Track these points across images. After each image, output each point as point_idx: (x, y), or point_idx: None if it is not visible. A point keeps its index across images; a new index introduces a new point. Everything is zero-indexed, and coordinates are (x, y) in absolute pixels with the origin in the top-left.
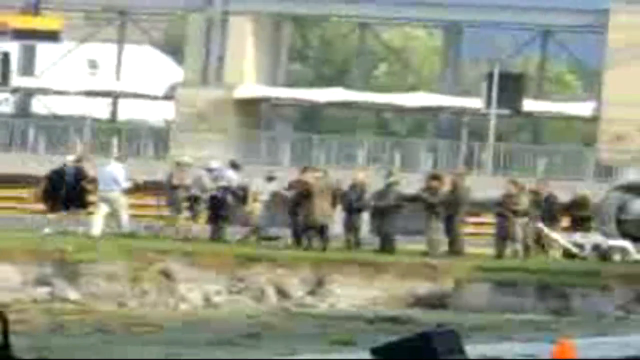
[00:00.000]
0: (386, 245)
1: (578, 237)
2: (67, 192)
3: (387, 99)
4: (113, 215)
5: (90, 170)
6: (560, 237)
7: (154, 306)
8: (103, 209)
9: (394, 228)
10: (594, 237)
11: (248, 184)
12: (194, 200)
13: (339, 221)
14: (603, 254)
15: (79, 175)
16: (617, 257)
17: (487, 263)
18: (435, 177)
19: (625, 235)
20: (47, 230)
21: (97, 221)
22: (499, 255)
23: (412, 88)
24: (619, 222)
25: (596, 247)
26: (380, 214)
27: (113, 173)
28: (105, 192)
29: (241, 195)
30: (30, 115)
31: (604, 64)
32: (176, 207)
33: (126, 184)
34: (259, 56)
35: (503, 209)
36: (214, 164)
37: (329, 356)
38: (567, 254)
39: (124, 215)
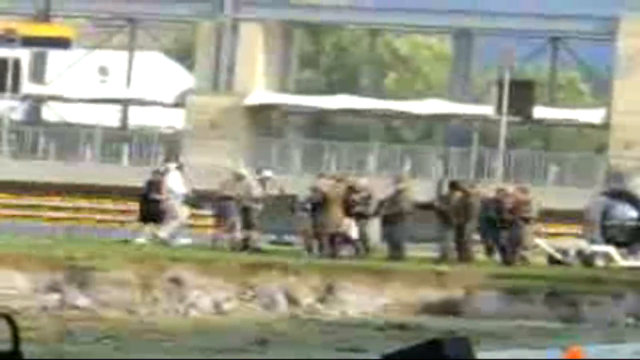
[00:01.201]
0: (396, 253)
1: (562, 242)
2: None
3: (398, 106)
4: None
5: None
6: (543, 243)
7: (164, 313)
8: (168, 219)
9: (404, 235)
10: (577, 243)
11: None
12: (244, 210)
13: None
14: (586, 260)
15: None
16: (600, 262)
17: (498, 270)
18: (450, 185)
19: (609, 240)
20: (141, 240)
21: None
22: (509, 262)
23: (423, 95)
24: (604, 228)
25: (580, 253)
26: (390, 221)
27: (170, 182)
28: (165, 202)
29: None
30: (41, 122)
31: (614, 71)
32: (228, 218)
33: (182, 193)
34: (269, 63)
35: (514, 216)
36: (267, 173)
37: None
38: (552, 260)
39: (170, 224)
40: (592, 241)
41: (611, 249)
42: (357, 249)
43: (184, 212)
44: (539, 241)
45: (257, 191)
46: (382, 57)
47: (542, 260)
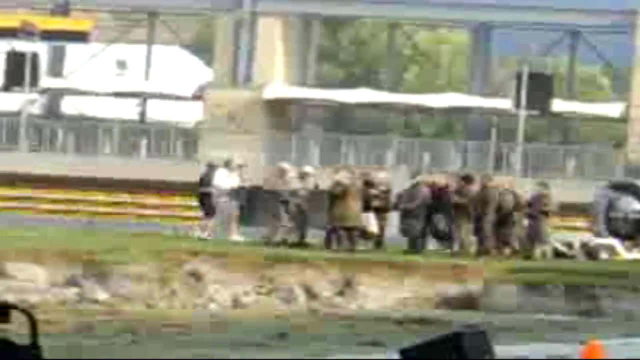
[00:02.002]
0: (414, 246)
1: (566, 235)
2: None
3: (416, 99)
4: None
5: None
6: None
7: (183, 307)
8: (218, 215)
9: (422, 228)
10: (582, 236)
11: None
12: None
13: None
14: (590, 253)
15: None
16: (604, 255)
17: (517, 264)
18: (465, 178)
19: (614, 233)
20: (197, 234)
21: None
22: (528, 256)
23: (442, 89)
24: (609, 220)
25: (584, 246)
26: (409, 214)
27: (216, 178)
28: (215, 197)
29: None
30: (59, 116)
31: (632, 64)
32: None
33: (228, 188)
34: (288, 57)
35: (533, 209)
36: (308, 168)
37: (357, 357)
38: (557, 253)
39: (211, 222)
40: (597, 234)
41: (615, 242)
42: (377, 243)
43: (232, 208)
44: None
45: (297, 186)
46: (402, 51)
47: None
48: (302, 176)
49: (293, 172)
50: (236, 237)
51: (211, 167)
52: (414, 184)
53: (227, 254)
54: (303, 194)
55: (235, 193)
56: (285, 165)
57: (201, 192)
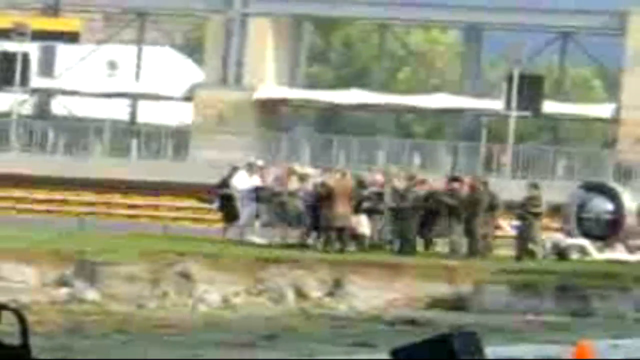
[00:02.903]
0: (406, 247)
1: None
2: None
3: (407, 100)
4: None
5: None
6: (507, 224)
7: (173, 308)
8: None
9: (414, 230)
10: (553, 236)
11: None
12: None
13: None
14: (561, 253)
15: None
16: (574, 255)
17: (507, 265)
18: (455, 179)
19: (585, 233)
20: (256, 239)
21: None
22: (519, 257)
23: (433, 90)
24: (580, 221)
25: (555, 246)
26: (400, 216)
27: (235, 180)
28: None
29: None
30: (50, 116)
31: (623, 66)
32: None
33: (247, 190)
34: (278, 58)
35: (524, 211)
36: (310, 170)
37: (347, 358)
38: (526, 252)
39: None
40: (568, 234)
41: (586, 242)
42: (371, 245)
43: (251, 209)
44: (502, 222)
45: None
46: (393, 52)
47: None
48: (303, 177)
49: (305, 172)
50: (255, 239)
51: (234, 169)
52: (407, 184)
53: (217, 255)
54: (301, 195)
55: (254, 194)
56: (308, 169)
57: (222, 194)
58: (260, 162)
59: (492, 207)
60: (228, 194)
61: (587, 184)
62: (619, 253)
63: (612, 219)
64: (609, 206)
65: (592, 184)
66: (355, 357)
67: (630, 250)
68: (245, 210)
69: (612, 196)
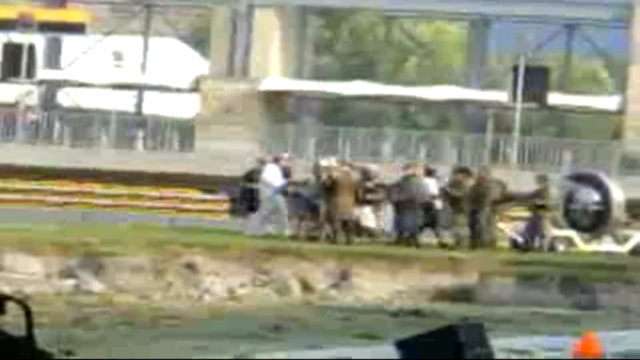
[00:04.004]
0: (406, 239)
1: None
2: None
3: (413, 92)
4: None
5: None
6: (506, 227)
7: (178, 299)
8: (262, 209)
9: (415, 221)
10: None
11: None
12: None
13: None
14: (548, 244)
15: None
16: (561, 247)
17: (513, 257)
18: (461, 170)
19: (573, 224)
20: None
21: (252, 220)
22: (526, 249)
23: (439, 82)
24: (567, 212)
25: (542, 237)
26: (401, 207)
27: (266, 174)
28: (262, 193)
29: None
30: (56, 107)
31: (629, 57)
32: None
33: (279, 184)
34: (284, 49)
35: (533, 204)
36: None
37: (353, 349)
38: (514, 244)
39: (282, 216)
40: (557, 225)
41: (573, 234)
42: (370, 236)
43: (280, 203)
44: (502, 225)
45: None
46: (400, 43)
47: (504, 244)
48: (316, 171)
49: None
50: (288, 231)
51: (261, 163)
52: (405, 176)
53: (222, 246)
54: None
55: (283, 188)
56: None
57: (247, 187)
58: (286, 156)
59: (504, 199)
60: (250, 187)
61: (574, 175)
62: (606, 244)
63: (599, 210)
64: (596, 197)
65: (579, 175)
66: (361, 349)
67: (618, 241)
68: (271, 203)
69: (600, 187)
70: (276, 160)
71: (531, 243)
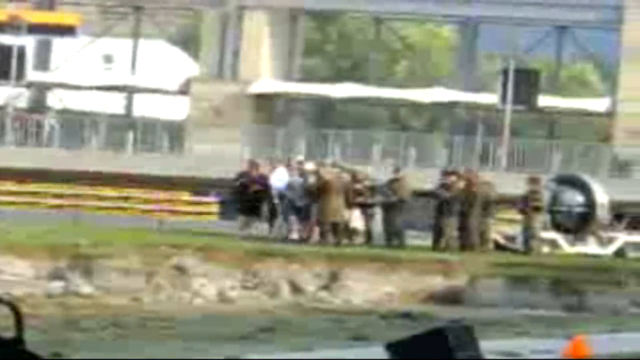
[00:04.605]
0: (394, 241)
1: (508, 229)
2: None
3: (403, 94)
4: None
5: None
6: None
7: (168, 301)
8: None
9: (402, 223)
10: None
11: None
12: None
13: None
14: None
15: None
16: (546, 249)
17: (502, 259)
18: (450, 173)
19: (557, 227)
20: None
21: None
22: (525, 252)
23: (429, 84)
24: (551, 214)
25: (533, 239)
26: (389, 209)
27: (274, 179)
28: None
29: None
30: (46, 110)
31: (619, 60)
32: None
33: (281, 185)
34: (274, 51)
35: (525, 205)
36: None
37: (342, 351)
38: (498, 246)
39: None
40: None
41: (557, 236)
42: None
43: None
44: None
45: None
46: (389, 45)
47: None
48: (302, 173)
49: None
50: (295, 235)
51: (273, 166)
52: (394, 178)
53: (212, 248)
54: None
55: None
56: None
57: (237, 190)
58: (300, 158)
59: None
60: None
61: (559, 177)
62: (590, 246)
63: (583, 212)
64: (581, 199)
65: (564, 177)
66: (351, 351)
67: (602, 243)
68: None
69: (584, 189)
70: (288, 164)
71: (523, 245)
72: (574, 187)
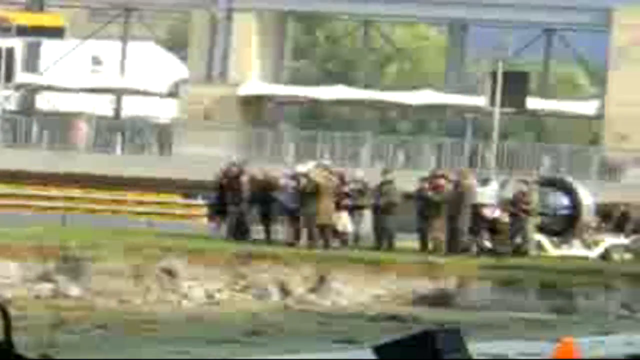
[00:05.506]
0: (384, 243)
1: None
2: None
3: (392, 97)
4: None
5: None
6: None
7: (157, 303)
8: None
9: (392, 226)
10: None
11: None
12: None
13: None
14: (517, 248)
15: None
16: (532, 252)
17: (492, 262)
18: (439, 175)
19: (542, 229)
20: None
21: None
22: (512, 254)
23: (418, 86)
24: (537, 216)
25: (525, 241)
26: (379, 212)
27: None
28: None
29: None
30: (34, 111)
31: (608, 62)
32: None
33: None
34: (263, 54)
35: (515, 208)
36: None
37: (331, 354)
38: (482, 249)
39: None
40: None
41: (543, 238)
42: (344, 241)
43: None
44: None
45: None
46: (378, 48)
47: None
48: (295, 177)
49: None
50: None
51: (234, 166)
52: (384, 181)
53: (201, 251)
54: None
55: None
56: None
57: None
58: (327, 162)
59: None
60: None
61: (544, 179)
62: (575, 249)
63: (568, 215)
64: (566, 201)
65: (549, 179)
66: (339, 354)
67: (587, 245)
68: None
69: (569, 191)
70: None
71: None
72: (559, 190)
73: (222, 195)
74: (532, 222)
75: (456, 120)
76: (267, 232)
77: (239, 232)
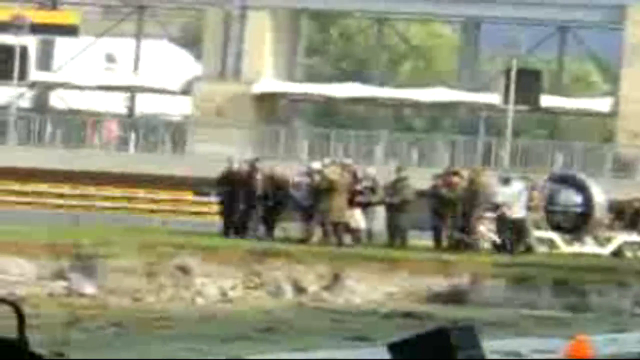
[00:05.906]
0: (397, 241)
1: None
2: None
3: (405, 94)
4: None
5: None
6: (485, 229)
7: (171, 301)
8: None
9: (405, 223)
10: None
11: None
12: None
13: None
14: (528, 246)
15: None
16: (543, 249)
17: (504, 259)
18: (454, 173)
19: (554, 226)
20: None
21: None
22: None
23: (432, 84)
24: (549, 213)
25: (524, 238)
26: (393, 209)
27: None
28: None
29: None
30: (48, 109)
31: (622, 59)
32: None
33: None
34: (277, 51)
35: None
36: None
37: (345, 352)
38: (495, 246)
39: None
40: (537, 227)
41: (555, 235)
42: (357, 238)
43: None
44: (481, 227)
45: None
46: (392, 45)
47: (487, 245)
48: (309, 174)
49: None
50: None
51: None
52: (397, 179)
53: (215, 248)
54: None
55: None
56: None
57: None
58: (349, 161)
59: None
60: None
61: (556, 176)
62: (588, 246)
63: (581, 212)
64: (578, 199)
65: (561, 176)
66: (353, 351)
67: (600, 243)
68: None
69: (581, 188)
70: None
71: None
72: (571, 187)
73: (230, 193)
74: (531, 217)
75: (470, 118)
76: (271, 230)
77: (238, 229)
